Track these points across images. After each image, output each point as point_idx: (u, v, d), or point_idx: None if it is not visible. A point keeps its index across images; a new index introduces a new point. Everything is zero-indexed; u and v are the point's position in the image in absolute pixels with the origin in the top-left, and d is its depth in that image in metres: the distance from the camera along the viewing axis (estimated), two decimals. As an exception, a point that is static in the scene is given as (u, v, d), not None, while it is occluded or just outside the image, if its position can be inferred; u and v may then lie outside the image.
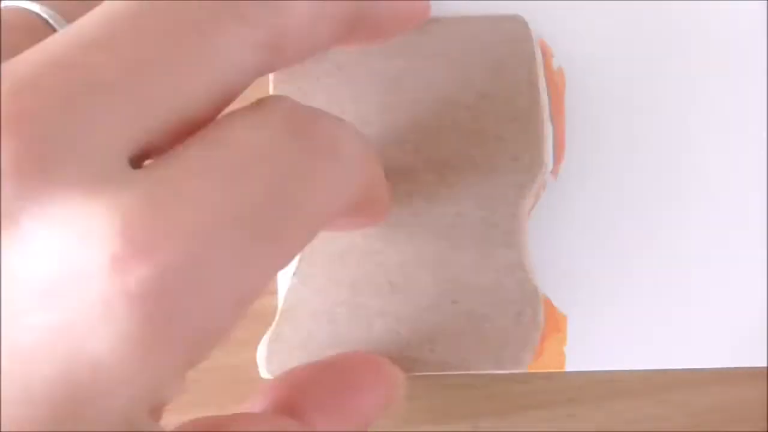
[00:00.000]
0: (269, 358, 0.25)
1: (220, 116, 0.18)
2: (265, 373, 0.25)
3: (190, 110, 0.17)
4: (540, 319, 0.23)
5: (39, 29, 0.22)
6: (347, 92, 0.25)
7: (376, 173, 0.21)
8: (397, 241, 0.24)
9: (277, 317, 0.25)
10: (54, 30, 0.22)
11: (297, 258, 0.25)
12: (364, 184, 0.20)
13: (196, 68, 0.17)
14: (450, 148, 0.24)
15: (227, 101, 0.18)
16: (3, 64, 0.16)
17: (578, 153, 0.29)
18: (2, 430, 0.15)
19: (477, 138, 0.24)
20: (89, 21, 0.17)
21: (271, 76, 0.26)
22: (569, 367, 0.28)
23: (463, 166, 0.24)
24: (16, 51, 0.17)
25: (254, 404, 0.21)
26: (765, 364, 0.28)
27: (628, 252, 0.29)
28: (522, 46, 0.24)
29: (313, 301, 0.25)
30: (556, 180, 0.29)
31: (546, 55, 0.28)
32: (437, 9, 0.25)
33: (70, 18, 0.22)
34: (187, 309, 0.16)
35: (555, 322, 0.28)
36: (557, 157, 0.29)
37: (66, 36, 0.17)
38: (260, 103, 0.19)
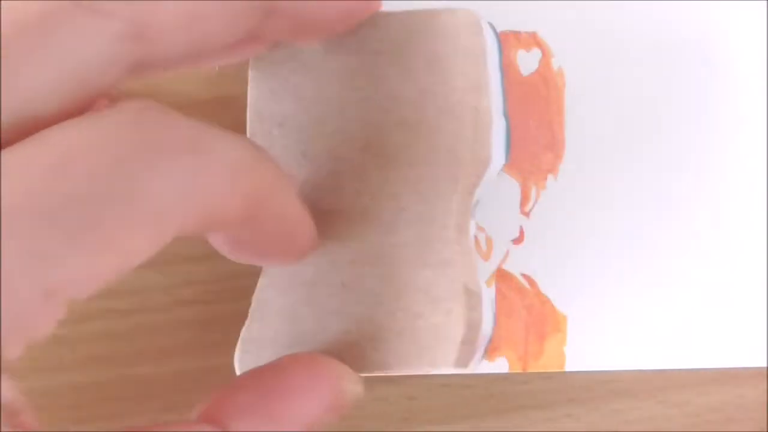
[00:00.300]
0: (241, 358, 0.25)
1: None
2: (239, 374, 0.25)
3: (36, 107, 0.18)
4: (470, 317, 0.22)
5: None
6: (311, 91, 0.25)
7: (273, 197, 0.21)
8: (349, 239, 0.24)
9: (248, 317, 0.25)
10: None
11: None
12: (241, 195, 0.19)
13: (38, 64, 0.18)
14: (395, 144, 0.24)
15: (89, 93, 0.19)
16: None
17: (578, 153, 0.29)
18: None
19: (418, 133, 0.23)
20: None
21: (249, 76, 0.26)
22: (569, 367, 0.28)
23: (406, 161, 0.24)
24: None
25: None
26: (765, 364, 0.28)
27: (628, 252, 0.29)
28: (467, 39, 0.23)
29: (278, 301, 0.25)
30: (556, 180, 0.29)
31: (546, 55, 0.28)
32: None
33: None
34: None
35: (555, 322, 0.28)
36: (557, 156, 0.29)
37: None
38: (115, 104, 0.19)
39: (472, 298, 0.23)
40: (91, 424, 0.29)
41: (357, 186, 0.24)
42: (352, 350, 0.23)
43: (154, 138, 0.18)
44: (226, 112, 0.28)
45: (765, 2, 0.29)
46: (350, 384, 0.22)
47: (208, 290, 0.27)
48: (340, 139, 0.25)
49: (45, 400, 0.29)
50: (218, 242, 0.22)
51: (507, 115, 0.24)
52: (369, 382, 0.29)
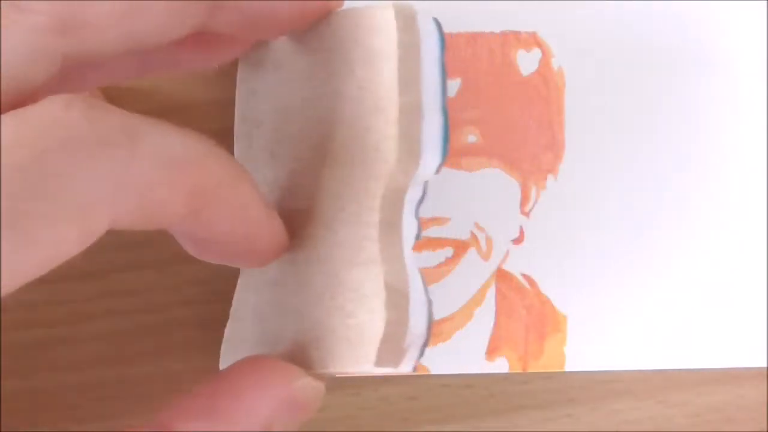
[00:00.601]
0: (222, 358, 0.25)
1: None
2: None
3: None
4: (392, 315, 0.22)
5: None
6: (283, 91, 0.25)
7: (224, 193, 0.21)
8: (304, 239, 0.24)
9: (230, 317, 0.26)
10: None
11: None
12: (181, 189, 0.20)
13: None
14: (337, 142, 0.24)
15: (19, 88, 0.19)
16: None
17: (578, 153, 0.29)
18: None
19: (356, 131, 0.23)
20: None
21: (237, 77, 0.27)
22: (569, 367, 0.28)
23: (344, 160, 0.23)
24: None
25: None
26: (765, 364, 0.28)
27: (628, 252, 0.29)
28: (400, 34, 0.23)
29: (251, 301, 0.25)
30: (556, 180, 0.29)
31: (546, 55, 0.28)
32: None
33: None
34: None
35: (555, 322, 0.28)
36: (557, 156, 0.29)
37: None
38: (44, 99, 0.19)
39: (394, 295, 0.22)
40: (91, 424, 0.29)
41: (310, 185, 0.24)
42: (304, 349, 0.23)
43: (80, 132, 0.18)
44: (225, 113, 0.28)
45: (765, 2, 0.29)
46: (301, 383, 0.22)
47: (208, 290, 0.27)
48: (300, 138, 0.25)
49: (45, 400, 0.29)
50: (182, 240, 0.22)
51: (446, 111, 0.24)
52: (369, 382, 0.29)
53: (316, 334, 0.23)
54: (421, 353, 0.23)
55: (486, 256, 0.29)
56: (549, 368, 0.28)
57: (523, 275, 0.29)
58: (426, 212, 0.29)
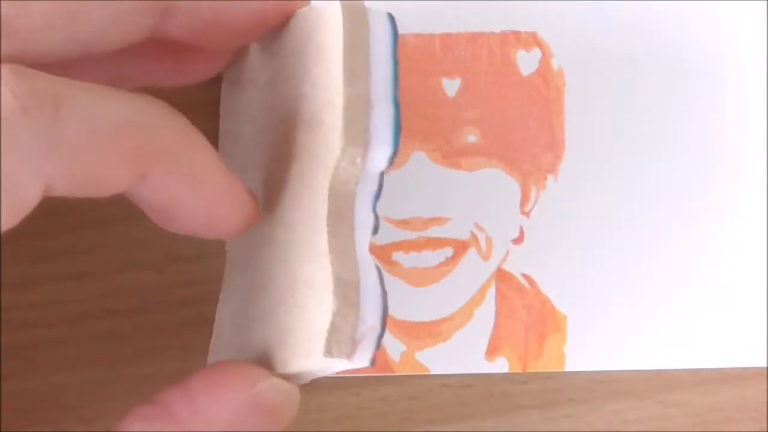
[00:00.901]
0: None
1: None
2: None
3: None
4: (340, 306, 0.22)
5: None
6: (255, 102, 0.26)
7: (175, 158, 0.21)
8: (261, 240, 0.24)
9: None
10: None
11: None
12: (121, 154, 0.19)
13: None
14: (296, 142, 0.24)
15: None
16: None
17: (578, 153, 0.29)
18: None
19: (310, 128, 0.23)
20: None
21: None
22: (569, 367, 0.28)
23: (302, 157, 0.24)
24: None
25: None
26: (765, 364, 0.28)
27: (628, 252, 0.29)
28: (348, 28, 0.23)
29: (227, 314, 0.25)
30: (556, 180, 0.29)
31: (546, 55, 0.28)
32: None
33: None
34: None
35: (555, 322, 0.28)
36: (557, 156, 0.29)
37: None
38: None
39: (342, 286, 0.22)
40: (91, 424, 0.29)
41: (277, 189, 0.24)
42: (269, 351, 0.23)
43: (2, 101, 0.18)
44: (226, 112, 0.28)
45: (765, 2, 0.29)
46: (265, 385, 0.22)
47: (208, 290, 0.27)
48: (266, 145, 0.25)
49: (45, 400, 0.29)
50: (143, 207, 0.22)
51: (397, 103, 0.24)
52: (370, 382, 0.29)
53: (279, 335, 0.23)
54: (377, 346, 0.23)
55: (486, 256, 0.29)
56: (549, 368, 0.28)
57: (523, 275, 0.29)
58: (426, 212, 0.29)
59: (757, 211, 0.29)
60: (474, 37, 0.29)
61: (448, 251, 0.29)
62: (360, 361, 0.22)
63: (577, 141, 0.29)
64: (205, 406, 0.21)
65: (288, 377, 0.23)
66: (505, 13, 0.29)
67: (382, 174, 0.24)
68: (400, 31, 0.29)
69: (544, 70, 0.29)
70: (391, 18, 0.24)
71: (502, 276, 0.29)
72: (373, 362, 0.23)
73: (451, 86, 0.29)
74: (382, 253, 0.29)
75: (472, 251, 0.29)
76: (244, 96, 0.26)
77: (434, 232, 0.29)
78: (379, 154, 0.23)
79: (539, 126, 0.29)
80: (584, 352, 0.28)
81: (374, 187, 0.24)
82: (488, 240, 0.29)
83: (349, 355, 0.22)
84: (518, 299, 0.29)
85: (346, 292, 0.22)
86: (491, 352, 0.28)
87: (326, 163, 0.23)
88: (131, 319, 0.29)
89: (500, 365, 0.28)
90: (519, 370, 0.28)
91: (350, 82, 0.23)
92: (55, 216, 0.29)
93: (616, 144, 0.29)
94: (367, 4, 0.24)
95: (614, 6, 0.29)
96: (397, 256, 0.29)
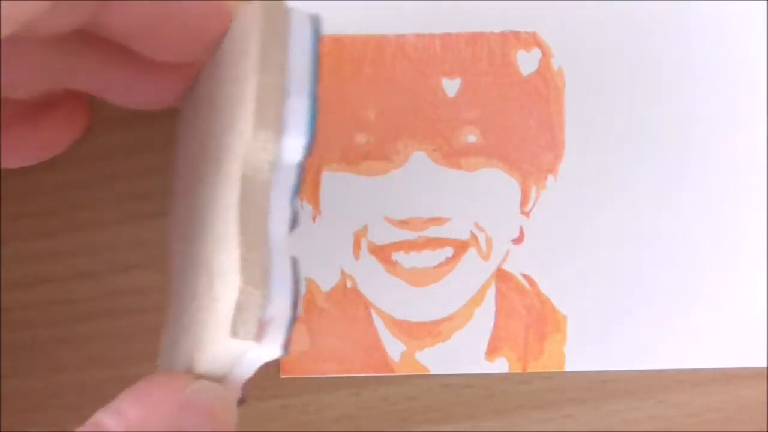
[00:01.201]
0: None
1: None
2: None
3: None
4: (246, 285, 0.22)
5: None
6: (189, 132, 0.26)
7: None
8: (192, 243, 0.24)
9: None
10: None
11: None
12: None
13: None
14: (214, 139, 0.24)
15: None
16: None
17: (578, 153, 0.29)
18: None
19: (227, 122, 0.24)
20: None
21: None
22: (569, 367, 0.28)
23: (219, 154, 0.24)
24: None
25: None
26: (765, 364, 0.28)
27: (628, 252, 0.29)
28: (264, 26, 0.23)
29: (169, 332, 0.25)
30: (556, 180, 0.29)
31: (546, 55, 0.28)
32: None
33: None
34: None
35: (555, 322, 0.28)
36: (557, 156, 0.29)
37: None
38: None
39: (249, 266, 0.22)
40: (91, 424, 0.29)
41: (198, 191, 0.24)
42: (194, 355, 0.23)
43: None
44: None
45: (765, 2, 0.29)
46: (194, 387, 0.22)
47: (208, 290, 0.27)
48: (200, 160, 0.25)
49: (45, 400, 0.29)
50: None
51: (315, 97, 0.24)
52: (370, 382, 0.29)
53: (198, 336, 0.23)
54: (288, 332, 0.22)
55: (486, 256, 0.29)
56: (549, 368, 0.28)
57: (523, 275, 0.29)
58: (426, 212, 0.29)
59: (757, 211, 0.29)
60: (474, 37, 0.29)
61: (448, 251, 0.29)
62: (271, 346, 0.22)
63: (577, 141, 0.29)
64: (136, 417, 0.21)
65: (214, 378, 0.23)
66: (505, 13, 0.29)
67: (300, 167, 0.24)
68: (404, 30, 0.29)
69: (544, 70, 0.29)
70: (315, 18, 0.24)
71: (502, 276, 0.29)
72: (286, 350, 0.22)
73: (451, 86, 0.29)
74: (382, 253, 0.29)
75: (472, 251, 0.29)
76: (185, 126, 0.27)
77: (434, 232, 0.29)
78: (293, 143, 0.23)
79: (539, 126, 0.29)
80: (584, 352, 0.28)
81: (292, 179, 0.24)
82: (488, 240, 0.29)
83: (257, 337, 0.22)
84: (518, 299, 0.29)
85: (254, 272, 0.22)
86: (491, 352, 0.28)
87: (239, 151, 0.23)
88: (131, 319, 0.29)
89: (500, 365, 0.28)
90: (519, 370, 0.28)
91: (264, 69, 0.23)
92: (56, 216, 0.29)
93: (615, 144, 0.29)
94: (295, 4, 0.24)
95: (614, 6, 0.29)
96: (397, 256, 0.29)
